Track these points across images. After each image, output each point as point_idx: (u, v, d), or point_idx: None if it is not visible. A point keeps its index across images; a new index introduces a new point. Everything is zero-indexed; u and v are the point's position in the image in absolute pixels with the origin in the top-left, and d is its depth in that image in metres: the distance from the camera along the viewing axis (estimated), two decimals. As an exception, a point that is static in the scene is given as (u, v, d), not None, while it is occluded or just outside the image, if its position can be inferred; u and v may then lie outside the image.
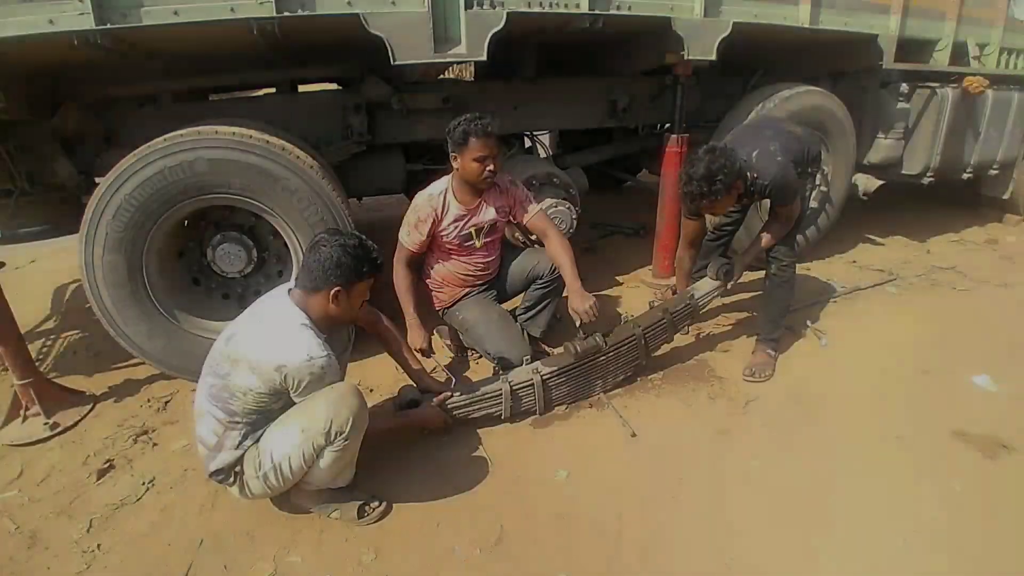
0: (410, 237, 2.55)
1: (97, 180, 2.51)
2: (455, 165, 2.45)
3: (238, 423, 1.78)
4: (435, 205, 2.51)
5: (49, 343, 3.25)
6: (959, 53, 4.04)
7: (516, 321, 2.85)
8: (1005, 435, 2.34)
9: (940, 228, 5.07)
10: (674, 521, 1.95)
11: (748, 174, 2.53)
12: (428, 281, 2.76)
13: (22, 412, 2.45)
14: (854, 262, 4.25)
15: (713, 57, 3.00)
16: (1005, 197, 5.06)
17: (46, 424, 2.41)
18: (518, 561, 1.80)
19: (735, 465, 2.21)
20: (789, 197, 2.62)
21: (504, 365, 2.57)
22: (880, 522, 1.95)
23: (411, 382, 2.37)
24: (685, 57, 2.96)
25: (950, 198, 5.52)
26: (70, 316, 3.60)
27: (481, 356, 2.90)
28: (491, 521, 1.95)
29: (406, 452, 2.27)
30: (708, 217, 3.03)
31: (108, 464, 2.23)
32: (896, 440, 2.34)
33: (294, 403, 1.79)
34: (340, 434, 1.75)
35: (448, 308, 2.77)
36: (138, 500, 2.07)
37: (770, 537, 1.89)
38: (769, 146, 2.56)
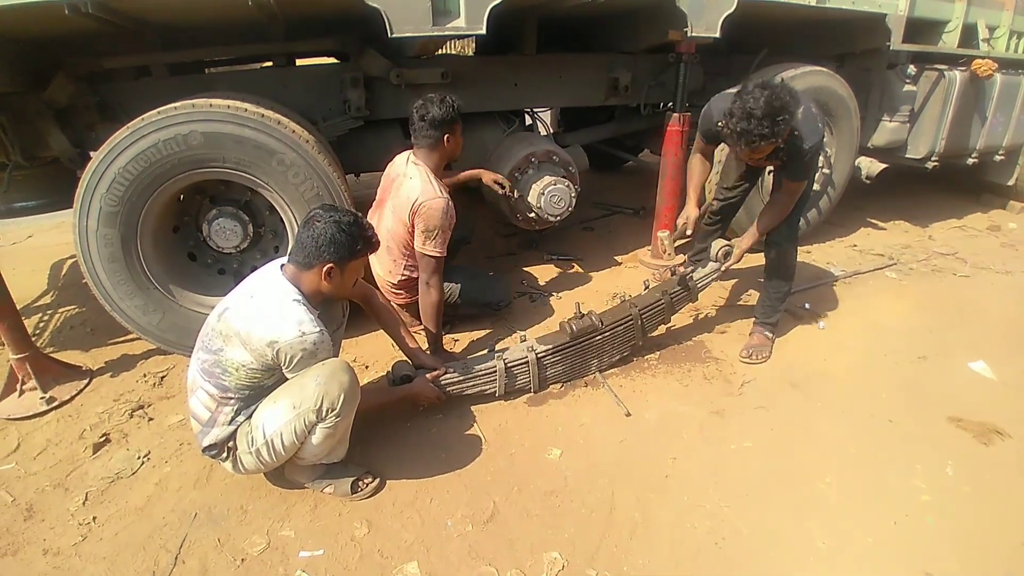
0: (445, 244, 2.44)
1: (92, 154, 2.49)
2: (448, 146, 2.50)
3: (230, 398, 1.78)
4: (451, 206, 2.43)
5: (46, 318, 3.25)
6: (968, 35, 3.97)
7: None
8: (1000, 421, 2.35)
9: (942, 214, 5.04)
10: (666, 500, 1.96)
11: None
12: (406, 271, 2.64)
13: (18, 387, 2.45)
14: (855, 246, 4.22)
15: (717, 34, 2.95)
16: (1010, 183, 5.02)
17: (42, 398, 2.42)
18: (510, 537, 1.81)
19: (729, 446, 2.22)
20: (805, 172, 2.45)
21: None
22: (871, 504, 1.96)
23: (405, 358, 2.36)
24: (688, 34, 2.91)
25: (952, 183, 5.47)
26: (67, 291, 3.60)
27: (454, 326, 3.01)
28: (484, 498, 1.96)
29: (400, 428, 2.28)
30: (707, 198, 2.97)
31: (104, 438, 2.24)
32: (889, 424, 2.35)
33: (287, 379, 1.79)
34: (331, 410, 1.75)
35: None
36: (133, 474, 2.08)
37: (762, 518, 1.90)
38: (811, 107, 2.31)
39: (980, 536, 1.85)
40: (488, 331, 2.99)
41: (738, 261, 2.72)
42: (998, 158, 4.60)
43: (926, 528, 1.87)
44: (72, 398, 2.49)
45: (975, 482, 2.07)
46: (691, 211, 2.80)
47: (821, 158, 3.76)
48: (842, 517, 1.91)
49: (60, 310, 3.33)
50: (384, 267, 2.68)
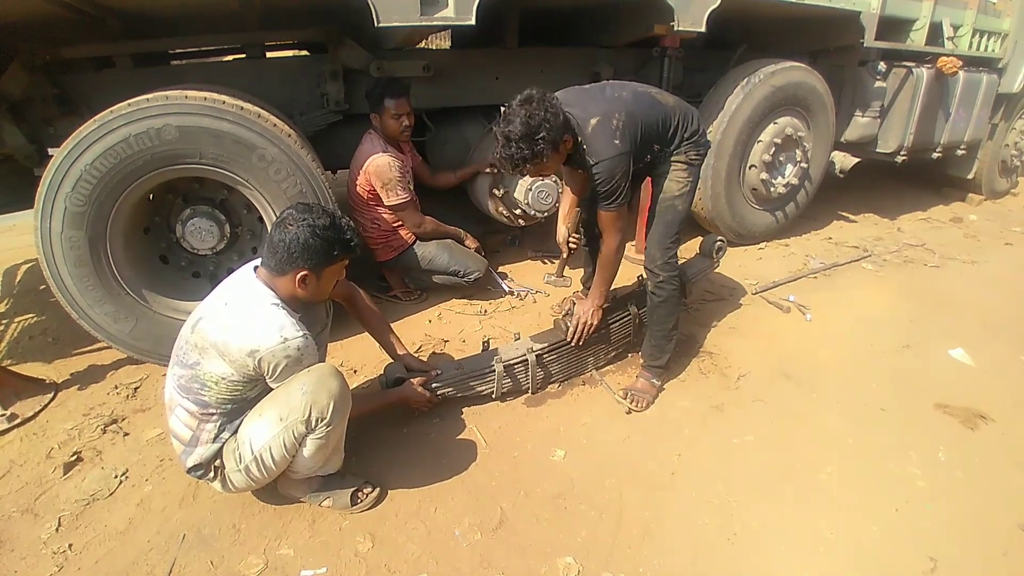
0: (407, 188, 2.88)
1: (51, 151, 2.31)
2: (375, 123, 2.85)
3: (212, 414, 1.66)
4: (395, 159, 2.80)
5: (1, 328, 3.01)
6: (934, 33, 4.09)
7: None
8: (983, 406, 2.42)
9: (907, 206, 5.20)
10: (675, 497, 1.94)
11: (579, 137, 2.02)
12: (375, 234, 2.99)
13: (-26, 403, 2.26)
14: (830, 238, 4.32)
15: (703, 28, 2.95)
16: (969, 177, 5.22)
17: (3, 415, 2.24)
18: (522, 544, 1.75)
19: (731, 440, 2.21)
20: (612, 201, 2.09)
21: (467, 275, 3.05)
22: (872, 493, 1.98)
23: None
24: (675, 28, 2.90)
25: (914, 177, 5.66)
26: (24, 299, 3.35)
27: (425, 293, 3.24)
28: (490, 504, 1.89)
29: (397, 434, 2.20)
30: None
31: (75, 456, 2.08)
32: (882, 412, 2.39)
33: (272, 388, 1.67)
34: (321, 420, 1.63)
35: (404, 252, 3.03)
36: (111, 494, 1.93)
37: (770, 511, 1.89)
38: (612, 120, 2.00)
39: (976, 520, 1.89)
40: (478, 329, 2.92)
41: (583, 333, 2.37)
42: (959, 152, 4.77)
43: (926, 514, 1.91)
44: (36, 414, 2.30)
45: (966, 467, 2.12)
46: (560, 230, 2.62)
47: (798, 152, 3.82)
48: (846, 507, 1.92)
49: (17, 319, 3.09)
50: None
